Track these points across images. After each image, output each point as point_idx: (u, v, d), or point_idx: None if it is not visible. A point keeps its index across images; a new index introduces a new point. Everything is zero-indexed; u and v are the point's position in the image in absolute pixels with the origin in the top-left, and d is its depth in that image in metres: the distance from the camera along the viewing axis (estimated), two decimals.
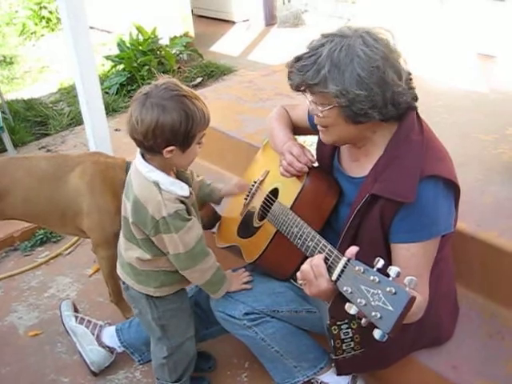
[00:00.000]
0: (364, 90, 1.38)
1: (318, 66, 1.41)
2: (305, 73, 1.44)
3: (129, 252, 1.75)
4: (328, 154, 1.73)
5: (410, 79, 1.50)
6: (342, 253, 1.33)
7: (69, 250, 2.95)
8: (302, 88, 1.49)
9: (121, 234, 1.79)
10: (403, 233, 1.49)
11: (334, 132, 1.54)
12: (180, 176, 1.73)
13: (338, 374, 1.78)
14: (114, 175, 2.16)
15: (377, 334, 1.14)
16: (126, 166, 2.15)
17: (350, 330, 1.36)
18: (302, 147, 1.75)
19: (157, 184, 1.60)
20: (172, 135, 1.53)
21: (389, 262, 1.51)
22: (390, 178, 1.48)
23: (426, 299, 1.51)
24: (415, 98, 1.52)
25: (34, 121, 4.31)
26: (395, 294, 1.13)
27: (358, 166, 1.61)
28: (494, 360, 1.74)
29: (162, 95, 1.52)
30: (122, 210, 1.74)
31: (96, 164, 2.19)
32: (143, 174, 1.62)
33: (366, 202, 1.50)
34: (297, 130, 1.91)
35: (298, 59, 1.47)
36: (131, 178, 1.68)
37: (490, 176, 2.25)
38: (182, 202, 1.63)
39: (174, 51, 5.08)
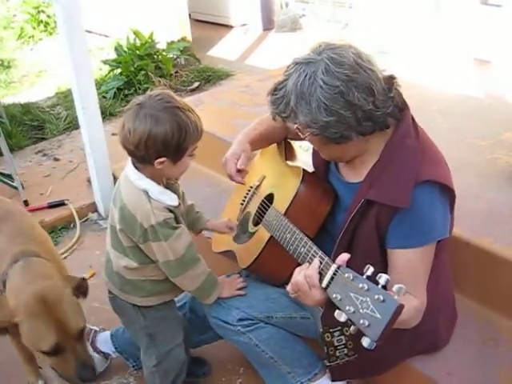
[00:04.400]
0: (333, 115, 1.40)
1: (286, 99, 1.45)
2: (277, 106, 1.48)
3: (116, 260, 1.74)
4: (324, 160, 1.73)
5: (392, 84, 1.47)
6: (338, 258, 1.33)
7: (64, 254, 2.94)
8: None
9: (108, 243, 1.77)
10: (399, 238, 1.49)
11: (326, 152, 1.59)
12: (169, 188, 1.71)
13: (333, 380, 1.78)
14: None
15: (365, 342, 1.14)
16: None
17: (343, 337, 1.36)
18: (231, 156, 1.85)
19: (146, 192, 1.60)
20: (164, 147, 1.52)
21: (385, 268, 1.52)
22: (385, 184, 1.48)
23: (423, 304, 1.51)
24: (399, 104, 1.50)
25: (31, 125, 4.30)
26: (383, 301, 1.13)
27: (354, 171, 1.62)
28: (488, 367, 1.74)
29: (155, 106, 1.52)
30: (109, 218, 1.73)
31: None
32: (133, 181, 1.61)
33: (361, 208, 1.51)
34: (291, 134, 1.92)
35: (274, 90, 1.49)
36: (120, 185, 1.67)
37: (485, 181, 2.26)
38: (170, 211, 1.63)
39: (171, 55, 5.08)
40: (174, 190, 1.71)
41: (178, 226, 1.64)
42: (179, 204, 1.68)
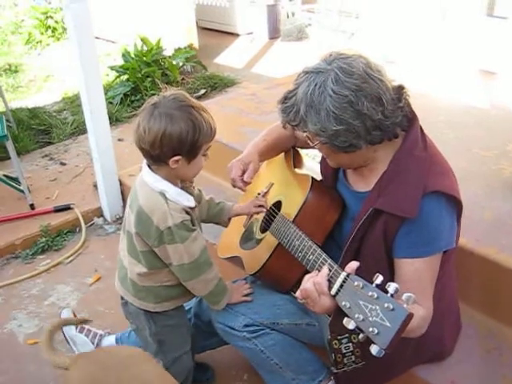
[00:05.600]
0: (342, 124, 1.41)
1: (296, 107, 1.46)
2: (287, 114, 1.49)
3: (131, 267, 1.74)
4: (332, 168, 1.74)
5: (401, 94, 1.48)
6: (344, 267, 1.34)
7: (70, 258, 2.96)
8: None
9: (123, 250, 1.77)
10: (406, 248, 1.49)
11: (334, 160, 1.60)
12: (186, 190, 1.72)
13: None
14: None
15: (374, 349, 1.15)
16: None
17: (350, 344, 1.36)
18: (237, 163, 1.87)
19: (163, 194, 1.61)
20: (179, 145, 1.54)
21: (391, 277, 1.52)
22: (393, 193, 1.49)
23: (430, 313, 1.51)
24: (408, 114, 1.51)
25: (38, 129, 4.35)
26: (393, 310, 1.14)
27: (363, 180, 1.63)
28: (491, 376, 1.74)
29: (170, 105, 1.55)
30: (125, 224, 1.74)
31: None
32: (149, 184, 1.63)
33: (369, 217, 1.51)
34: (299, 143, 1.93)
35: (284, 99, 1.51)
36: (136, 189, 1.68)
37: (489, 192, 2.27)
38: (187, 212, 1.64)
39: (177, 62, 5.12)
40: (190, 193, 1.72)
41: (194, 229, 1.65)
42: (195, 206, 1.69)
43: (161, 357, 1.84)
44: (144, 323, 1.80)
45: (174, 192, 1.63)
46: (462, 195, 1.54)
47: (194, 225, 1.67)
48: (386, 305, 1.15)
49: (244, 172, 1.86)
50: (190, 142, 1.55)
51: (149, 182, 1.63)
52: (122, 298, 1.83)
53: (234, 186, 1.88)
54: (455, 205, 1.53)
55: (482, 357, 1.81)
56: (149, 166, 1.65)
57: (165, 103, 1.55)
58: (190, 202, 1.66)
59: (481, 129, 2.86)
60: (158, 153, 1.56)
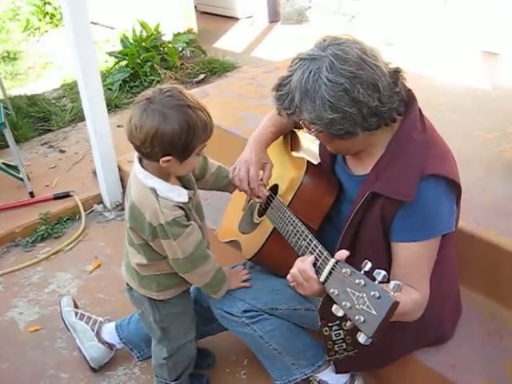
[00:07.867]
0: (338, 112, 1.38)
1: (291, 95, 1.43)
2: (282, 102, 1.46)
3: (132, 257, 1.74)
4: (330, 152, 1.72)
5: (397, 78, 1.45)
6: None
7: (70, 246, 2.96)
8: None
9: (125, 239, 1.77)
10: (403, 232, 1.48)
11: (332, 147, 1.58)
12: (182, 178, 1.69)
13: (337, 373, 1.78)
14: None
15: (361, 338, 1.14)
16: None
17: (341, 332, 1.36)
18: (261, 168, 1.79)
19: (154, 191, 1.57)
20: (170, 146, 1.48)
21: (389, 261, 1.52)
22: (391, 177, 1.47)
23: (425, 298, 1.51)
24: (405, 98, 1.48)
25: (37, 117, 4.32)
26: (379, 298, 1.12)
27: (361, 163, 1.61)
28: (492, 359, 1.73)
29: (165, 103, 1.46)
30: (125, 214, 1.72)
31: None
32: (141, 180, 1.59)
33: (366, 200, 1.50)
34: (298, 124, 1.90)
35: (278, 86, 1.48)
36: (131, 182, 1.66)
37: (490, 174, 2.24)
38: (181, 207, 1.60)
39: (177, 47, 5.08)
40: (187, 181, 1.69)
41: (188, 224, 1.60)
42: (190, 198, 1.64)
43: (165, 343, 1.85)
44: (148, 310, 1.81)
45: (164, 188, 1.58)
46: (462, 178, 1.53)
47: (189, 219, 1.63)
48: (372, 293, 1.13)
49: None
50: (183, 144, 1.48)
51: (140, 177, 1.60)
52: (127, 285, 1.84)
53: (249, 189, 1.78)
54: (454, 188, 1.51)
55: (483, 340, 1.80)
56: (140, 159, 1.61)
57: (160, 99, 1.46)
58: (181, 197, 1.60)
59: (482, 111, 2.83)
60: (149, 151, 1.50)
